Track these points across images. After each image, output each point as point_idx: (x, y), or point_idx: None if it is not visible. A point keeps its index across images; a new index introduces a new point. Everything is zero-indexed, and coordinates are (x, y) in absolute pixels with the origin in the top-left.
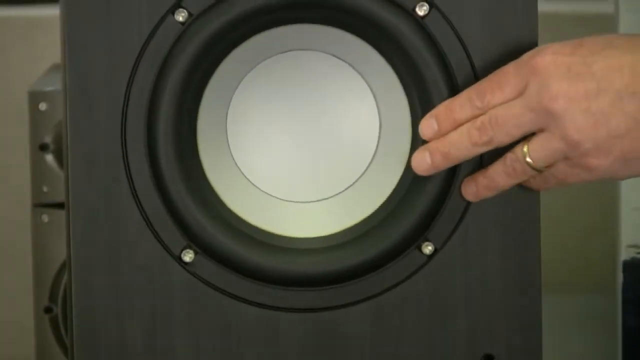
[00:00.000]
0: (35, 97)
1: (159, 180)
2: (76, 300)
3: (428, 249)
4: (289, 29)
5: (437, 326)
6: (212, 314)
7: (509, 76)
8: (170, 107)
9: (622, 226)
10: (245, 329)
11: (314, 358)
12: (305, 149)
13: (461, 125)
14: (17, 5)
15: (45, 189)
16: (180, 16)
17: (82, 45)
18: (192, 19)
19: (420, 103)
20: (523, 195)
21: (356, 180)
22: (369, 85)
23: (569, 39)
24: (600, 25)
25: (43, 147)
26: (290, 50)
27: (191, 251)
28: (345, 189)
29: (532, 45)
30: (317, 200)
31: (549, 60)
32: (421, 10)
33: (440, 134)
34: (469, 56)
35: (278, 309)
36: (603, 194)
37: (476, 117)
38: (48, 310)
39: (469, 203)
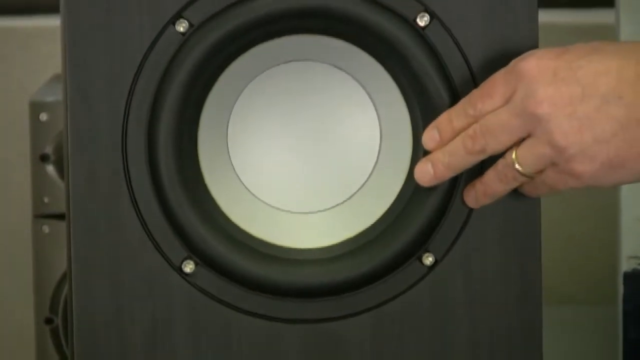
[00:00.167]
0: (36, 108)
1: (160, 191)
2: (77, 311)
3: (429, 260)
4: (290, 40)
5: (438, 337)
6: (212, 325)
7: (497, 83)
8: (171, 118)
9: (622, 237)
10: (245, 340)
11: None
12: (305, 160)
13: (459, 134)
14: (18, 15)
15: (46, 199)
16: (181, 27)
17: (83, 55)
18: (193, 29)
19: (421, 114)
20: (523, 206)
21: (357, 191)
22: (369, 96)
23: None
24: (600, 36)
25: (44, 158)
26: (291, 61)
27: (191, 262)
28: (346, 199)
29: None
30: (318, 211)
31: (534, 66)
32: (422, 21)
33: (442, 144)
34: (469, 66)
35: (279, 320)
36: (603, 205)
37: (470, 125)
38: (49, 321)
39: (469, 214)
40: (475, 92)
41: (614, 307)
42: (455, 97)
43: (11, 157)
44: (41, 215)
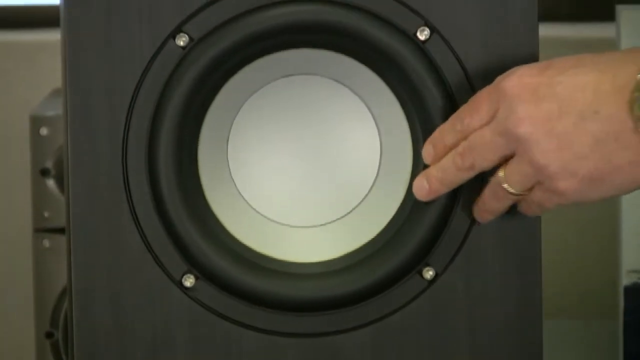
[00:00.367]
0: (36, 122)
1: (160, 205)
2: (77, 325)
3: (429, 274)
4: (290, 54)
5: (438, 351)
6: (212, 339)
7: (482, 100)
8: (171, 132)
9: (623, 251)
10: (245, 354)
11: None
12: (306, 174)
13: (451, 149)
14: (19, 29)
15: (46, 214)
16: (181, 41)
17: (83, 69)
18: (193, 43)
19: (421, 127)
20: (524, 221)
21: (357, 205)
22: (369, 110)
23: None
24: (601, 50)
25: (44, 172)
26: (291, 75)
27: (192, 276)
28: (347, 213)
29: None
30: (319, 225)
31: (516, 84)
32: (422, 35)
33: (438, 159)
34: (469, 80)
35: (279, 334)
36: (604, 219)
37: (460, 141)
38: (49, 335)
39: (469, 228)
40: (462, 108)
41: (615, 321)
42: (454, 111)
43: (11, 171)
44: (42, 230)
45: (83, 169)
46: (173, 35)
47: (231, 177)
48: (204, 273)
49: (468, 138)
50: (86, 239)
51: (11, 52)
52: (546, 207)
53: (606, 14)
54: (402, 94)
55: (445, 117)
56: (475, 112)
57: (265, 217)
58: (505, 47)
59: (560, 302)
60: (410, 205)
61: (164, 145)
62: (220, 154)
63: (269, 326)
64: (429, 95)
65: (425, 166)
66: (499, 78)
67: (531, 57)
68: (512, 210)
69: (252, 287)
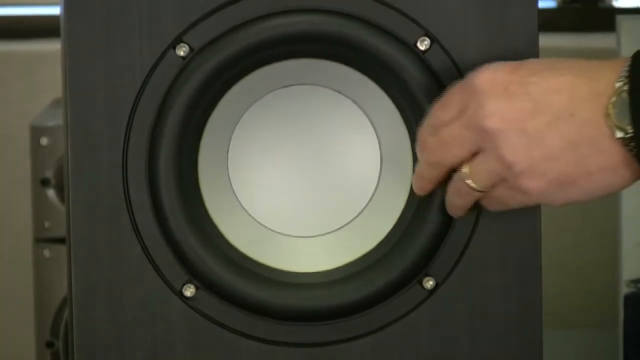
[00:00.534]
0: (36, 132)
1: (160, 215)
2: (77, 335)
3: (429, 283)
4: (290, 64)
5: None
6: (213, 349)
7: (453, 95)
8: (172, 142)
9: (623, 261)
10: None
11: None
12: (306, 184)
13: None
14: (19, 40)
15: (46, 224)
16: (182, 51)
17: (83, 79)
18: (194, 53)
19: None
20: (524, 230)
21: (357, 215)
22: (370, 120)
23: None
24: (601, 60)
25: (44, 182)
26: (291, 85)
27: (192, 286)
28: (347, 223)
29: None
30: (319, 235)
31: (486, 79)
32: (422, 45)
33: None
34: None
35: (279, 343)
36: (604, 229)
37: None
38: (50, 344)
39: (469, 238)
40: (435, 104)
41: (615, 331)
42: None
43: (12, 182)
44: (42, 240)
45: (83, 179)
46: (173, 46)
47: (231, 187)
48: (205, 283)
49: (437, 133)
50: (86, 249)
51: (11, 62)
52: (509, 204)
53: (606, 24)
54: (402, 104)
55: None
56: (446, 107)
57: (265, 227)
58: (505, 57)
59: (561, 312)
60: (411, 215)
61: (164, 155)
62: (220, 164)
63: (269, 336)
64: (430, 106)
65: None
66: (470, 73)
67: None
68: (513, 220)
69: (253, 297)
